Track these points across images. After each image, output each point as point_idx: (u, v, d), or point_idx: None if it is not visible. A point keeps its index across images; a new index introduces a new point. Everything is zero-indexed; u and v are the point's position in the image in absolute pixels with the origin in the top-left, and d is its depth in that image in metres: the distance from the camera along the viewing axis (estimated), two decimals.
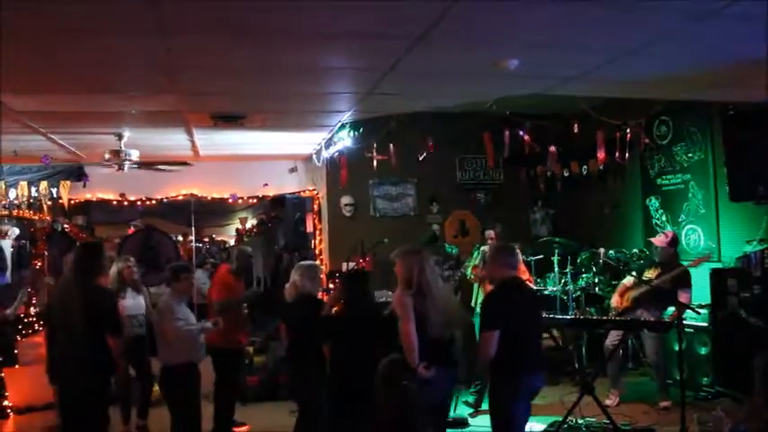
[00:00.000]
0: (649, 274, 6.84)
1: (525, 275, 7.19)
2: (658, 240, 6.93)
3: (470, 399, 6.95)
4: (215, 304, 6.30)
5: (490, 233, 7.18)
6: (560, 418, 5.87)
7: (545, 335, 7.89)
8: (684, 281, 6.67)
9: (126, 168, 8.02)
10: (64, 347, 4.78)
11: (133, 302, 6.42)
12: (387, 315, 4.84)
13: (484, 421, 6.46)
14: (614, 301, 6.98)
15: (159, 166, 9.27)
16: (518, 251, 4.90)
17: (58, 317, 4.81)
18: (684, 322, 6.12)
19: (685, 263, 7.54)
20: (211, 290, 6.79)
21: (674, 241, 6.88)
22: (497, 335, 4.19)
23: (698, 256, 7.14)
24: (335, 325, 5.18)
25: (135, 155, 7.85)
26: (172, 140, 8.50)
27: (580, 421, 5.96)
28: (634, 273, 7.04)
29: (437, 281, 4.54)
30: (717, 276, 6.96)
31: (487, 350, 4.21)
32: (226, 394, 6.35)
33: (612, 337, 6.75)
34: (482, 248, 7.17)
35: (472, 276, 7.14)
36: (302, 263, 5.87)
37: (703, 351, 7.03)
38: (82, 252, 5.00)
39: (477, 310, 7.01)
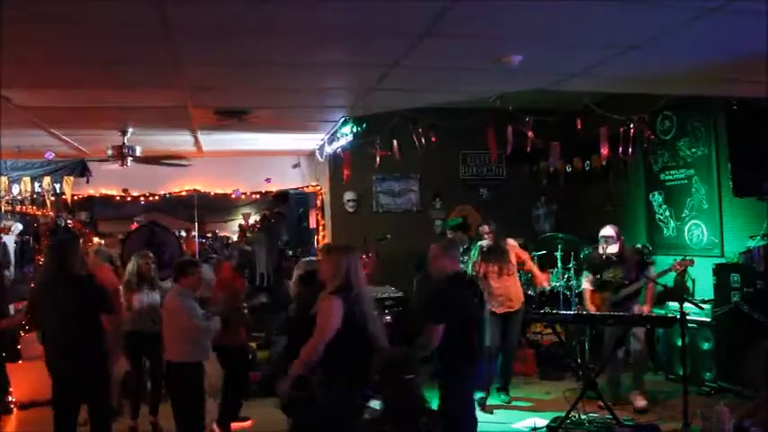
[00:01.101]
0: (611, 274, 6.66)
1: (537, 273, 7.48)
2: (613, 248, 6.70)
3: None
4: (216, 307, 6.31)
5: (485, 228, 7.16)
6: (563, 414, 5.89)
7: (548, 330, 7.91)
8: (643, 267, 6.78)
9: (129, 163, 8.02)
10: (55, 338, 4.83)
11: (148, 299, 6.39)
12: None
13: (483, 415, 6.48)
14: (590, 309, 6.75)
15: (164, 161, 9.26)
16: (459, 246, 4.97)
17: (47, 309, 4.86)
18: (687, 317, 6.11)
19: (688, 258, 7.57)
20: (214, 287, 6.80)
21: (618, 235, 6.76)
22: (442, 328, 4.30)
23: (683, 259, 6.87)
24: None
25: (138, 150, 7.86)
26: (175, 136, 8.51)
27: (583, 417, 5.96)
28: (588, 274, 6.91)
29: (365, 283, 4.23)
30: (720, 272, 6.96)
31: (433, 342, 4.32)
32: (233, 390, 6.38)
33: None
34: (479, 244, 7.18)
35: (473, 273, 7.14)
36: (307, 259, 5.83)
37: (706, 346, 7.03)
38: (60, 248, 5.07)
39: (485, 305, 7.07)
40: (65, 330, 4.74)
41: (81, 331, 4.73)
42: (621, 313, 6.27)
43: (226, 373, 6.38)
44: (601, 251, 6.71)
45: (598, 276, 6.74)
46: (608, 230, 6.71)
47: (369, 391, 4.16)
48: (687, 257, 6.91)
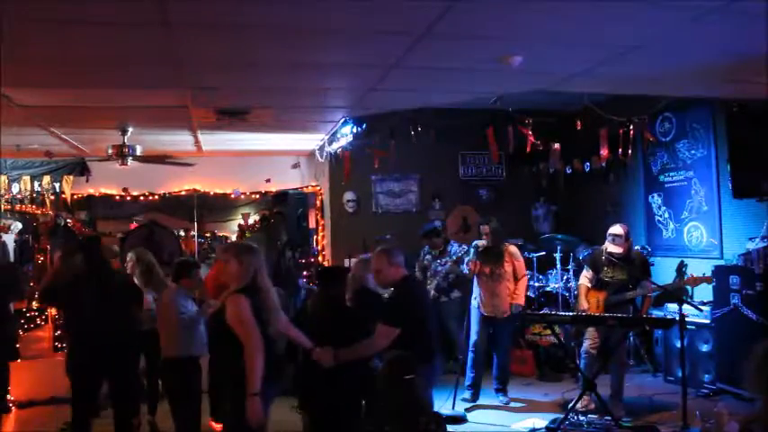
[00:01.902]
0: (610, 274, 6.49)
1: (517, 290, 6.99)
2: (616, 247, 6.47)
3: (468, 394, 6.93)
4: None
5: (485, 228, 7.05)
6: (562, 415, 5.89)
7: (547, 331, 7.90)
8: (647, 273, 6.64)
9: (130, 163, 8.02)
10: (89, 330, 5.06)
11: (151, 297, 6.40)
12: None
13: (482, 417, 6.49)
14: (583, 305, 6.56)
15: (169, 160, 9.25)
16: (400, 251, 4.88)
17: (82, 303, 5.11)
18: (686, 319, 6.12)
19: (687, 261, 7.57)
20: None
21: (628, 235, 6.54)
22: (396, 332, 4.32)
23: (700, 275, 6.71)
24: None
25: (138, 150, 7.86)
26: (175, 135, 8.51)
27: (581, 418, 5.96)
28: (588, 270, 6.68)
29: (270, 285, 4.19)
30: (719, 273, 6.96)
31: (383, 344, 4.35)
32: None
33: (592, 342, 6.49)
34: (475, 243, 7.11)
35: (467, 271, 7.13)
36: (363, 256, 5.71)
37: (705, 348, 7.03)
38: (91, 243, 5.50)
39: (475, 304, 7.02)
40: (102, 323, 4.92)
41: (117, 324, 4.96)
42: (621, 315, 6.25)
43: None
44: (605, 246, 6.55)
45: (598, 275, 6.61)
46: (617, 229, 6.51)
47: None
48: (705, 274, 6.72)
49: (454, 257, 7.81)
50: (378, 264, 4.67)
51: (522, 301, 7.05)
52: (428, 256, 8.16)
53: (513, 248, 7.12)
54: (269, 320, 4.01)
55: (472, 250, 7.08)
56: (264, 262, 4.16)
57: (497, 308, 6.90)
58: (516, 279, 7.02)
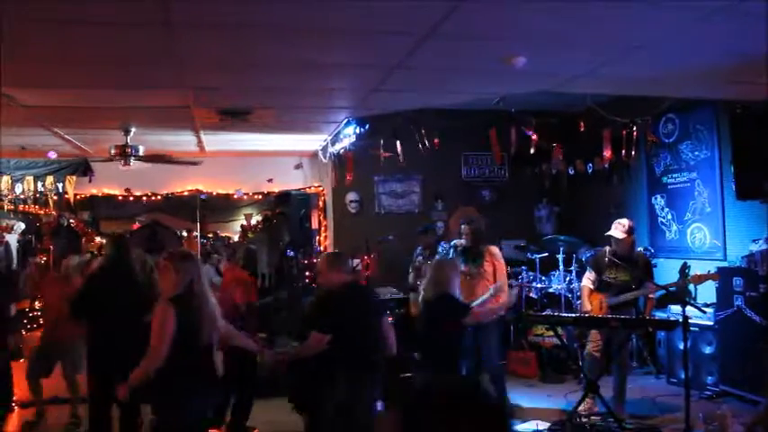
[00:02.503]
0: (613, 275, 6.43)
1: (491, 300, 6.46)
2: (618, 232, 6.42)
3: None
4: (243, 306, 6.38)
5: (465, 228, 6.79)
6: (564, 417, 5.88)
7: (550, 333, 7.88)
8: (650, 274, 6.59)
9: (132, 163, 8.03)
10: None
11: None
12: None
13: None
14: (586, 306, 6.52)
15: (174, 159, 9.24)
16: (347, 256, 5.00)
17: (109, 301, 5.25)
18: (690, 321, 6.10)
19: (690, 262, 7.55)
20: (233, 291, 6.77)
21: (632, 230, 6.50)
22: (326, 338, 4.38)
23: (705, 272, 6.59)
24: None
25: (141, 150, 7.86)
26: (178, 136, 8.51)
27: (584, 420, 5.95)
28: (591, 271, 6.62)
29: (207, 288, 4.22)
30: (722, 275, 6.94)
31: (314, 347, 4.42)
32: (245, 391, 6.41)
33: (594, 344, 6.46)
34: (453, 243, 6.95)
35: None
36: (442, 259, 5.68)
37: (708, 350, 7.02)
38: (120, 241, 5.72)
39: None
40: (131, 329, 4.89)
41: (142, 329, 4.91)
42: (624, 316, 6.23)
43: (237, 374, 6.38)
44: (613, 233, 6.45)
45: (601, 277, 6.54)
46: (623, 220, 6.55)
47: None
48: (710, 272, 6.61)
49: (441, 256, 7.76)
50: (320, 266, 4.77)
51: (494, 305, 6.31)
52: (420, 258, 8.16)
53: (494, 249, 6.78)
54: (201, 330, 3.98)
55: (451, 250, 6.93)
56: (201, 269, 4.19)
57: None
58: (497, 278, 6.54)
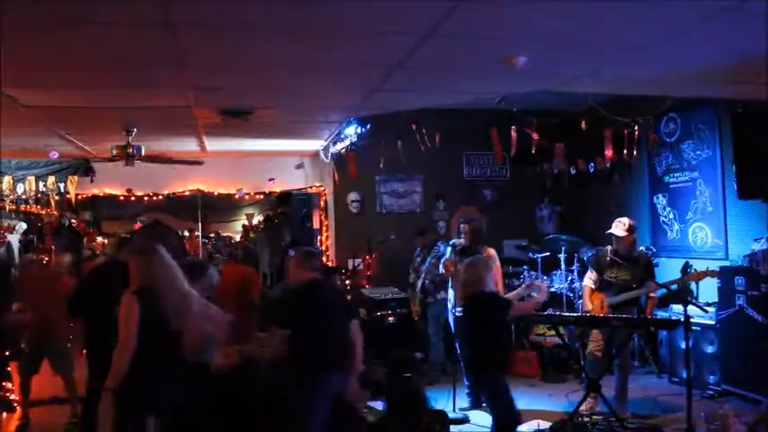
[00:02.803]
0: (614, 274, 6.41)
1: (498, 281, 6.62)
2: (619, 230, 6.42)
3: (467, 402, 6.73)
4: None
5: (465, 227, 6.85)
6: (566, 416, 5.87)
7: (551, 332, 7.88)
8: (651, 273, 6.54)
9: (135, 163, 8.03)
10: None
11: None
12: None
13: (484, 418, 6.46)
14: (587, 306, 6.51)
15: (177, 159, 9.25)
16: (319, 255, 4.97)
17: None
18: (691, 320, 6.09)
19: (692, 261, 7.54)
20: (251, 288, 6.90)
21: (633, 228, 6.47)
22: (289, 334, 4.39)
23: (702, 270, 6.58)
24: None
25: (143, 150, 7.86)
26: (180, 138, 8.52)
27: (586, 419, 5.95)
28: (592, 271, 6.57)
29: (174, 279, 4.23)
30: (724, 274, 6.93)
31: (277, 346, 4.43)
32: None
33: (596, 344, 6.43)
34: (452, 241, 6.99)
35: (443, 271, 7.03)
36: (474, 259, 5.56)
37: (710, 349, 7.01)
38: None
39: (450, 306, 6.94)
40: None
41: None
42: (625, 316, 6.22)
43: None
44: (614, 231, 6.43)
45: (602, 276, 6.51)
46: (623, 218, 6.52)
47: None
48: (710, 268, 6.52)
49: (437, 256, 7.76)
50: (290, 264, 4.81)
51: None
52: (418, 258, 8.17)
53: (491, 251, 6.81)
54: (168, 320, 4.01)
55: (449, 249, 6.94)
56: (163, 261, 4.18)
57: None
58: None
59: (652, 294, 6.49)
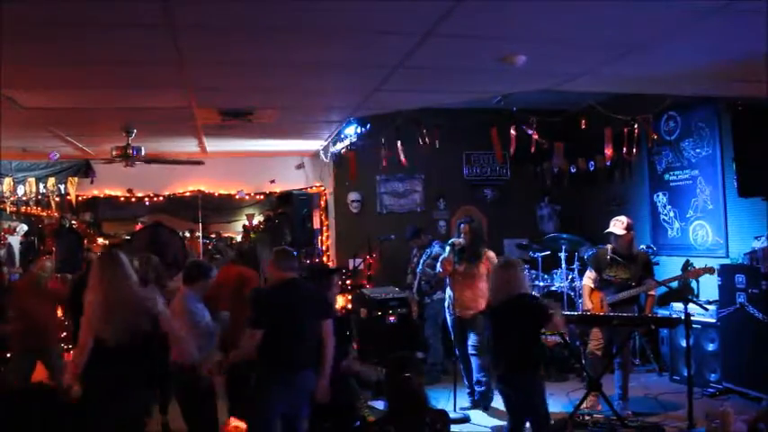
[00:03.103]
0: (612, 273, 6.43)
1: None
2: (617, 229, 6.45)
3: (467, 401, 6.76)
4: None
5: (465, 227, 6.79)
6: (567, 415, 5.87)
7: (552, 331, 7.87)
8: (650, 271, 6.54)
9: (135, 164, 8.03)
10: None
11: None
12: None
13: (485, 417, 6.47)
14: (587, 305, 6.54)
15: (177, 160, 9.25)
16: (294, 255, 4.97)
17: None
18: (692, 318, 6.09)
19: (692, 259, 7.54)
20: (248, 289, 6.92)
21: (631, 226, 6.49)
22: (260, 333, 4.44)
23: (699, 267, 6.63)
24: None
25: (143, 151, 7.86)
26: (180, 140, 8.52)
27: (587, 418, 5.95)
28: (591, 270, 6.60)
29: (121, 286, 4.49)
30: (725, 272, 6.94)
31: (248, 344, 4.48)
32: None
33: (596, 343, 6.46)
34: (451, 241, 6.94)
35: (440, 271, 7.02)
36: (506, 259, 5.49)
37: (711, 347, 7.01)
38: None
39: (446, 304, 6.91)
40: None
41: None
42: (626, 314, 6.23)
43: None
44: (612, 229, 6.45)
45: (601, 275, 6.52)
46: (621, 216, 6.56)
47: None
48: (708, 265, 6.57)
49: (432, 255, 7.76)
50: (272, 257, 4.87)
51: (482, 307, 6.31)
52: (415, 259, 8.18)
53: (491, 254, 6.79)
54: (110, 324, 4.34)
55: (447, 248, 6.90)
56: (117, 268, 4.52)
57: (469, 307, 6.60)
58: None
59: (651, 292, 6.50)
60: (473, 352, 6.66)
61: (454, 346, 6.94)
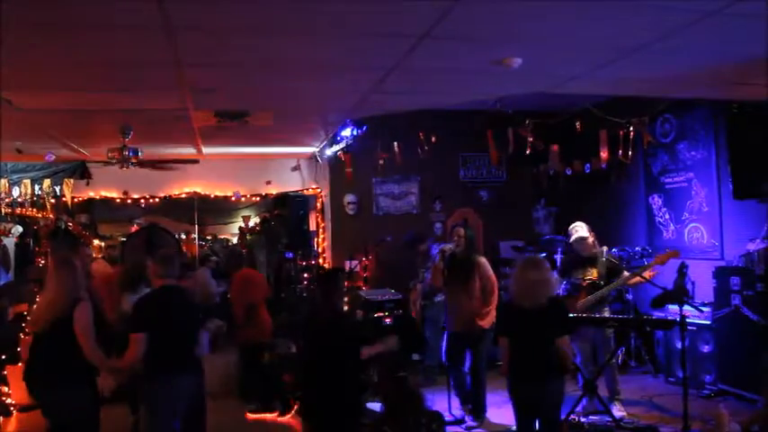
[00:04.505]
0: (579, 275, 6.42)
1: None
2: (584, 231, 6.46)
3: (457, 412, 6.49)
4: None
5: (459, 230, 6.46)
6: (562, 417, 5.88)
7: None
8: (618, 270, 6.50)
9: (130, 166, 8.02)
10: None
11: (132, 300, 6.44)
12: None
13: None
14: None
15: (172, 161, 9.24)
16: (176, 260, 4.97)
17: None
18: (687, 320, 6.11)
19: (687, 261, 7.55)
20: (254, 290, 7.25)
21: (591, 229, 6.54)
22: (144, 338, 4.48)
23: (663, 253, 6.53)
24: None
25: (139, 153, 7.86)
26: (176, 139, 8.51)
27: (582, 419, 5.96)
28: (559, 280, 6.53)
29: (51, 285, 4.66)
30: (720, 274, 6.96)
31: (134, 350, 4.50)
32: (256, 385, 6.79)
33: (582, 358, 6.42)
34: (441, 247, 6.70)
35: (430, 279, 6.98)
36: (531, 258, 5.21)
37: (706, 349, 7.03)
38: None
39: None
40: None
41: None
42: (621, 316, 6.25)
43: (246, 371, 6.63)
44: (580, 234, 6.45)
45: (570, 278, 6.46)
46: (579, 222, 6.59)
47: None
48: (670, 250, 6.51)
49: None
50: (153, 263, 4.90)
51: (486, 322, 6.26)
52: (421, 269, 8.20)
53: (483, 260, 6.52)
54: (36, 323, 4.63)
55: (438, 255, 6.58)
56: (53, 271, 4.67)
57: (466, 324, 6.32)
58: (485, 293, 6.34)
59: (633, 280, 6.39)
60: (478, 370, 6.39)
61: (447, 360, 6.56)
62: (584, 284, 6.41)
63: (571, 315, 6.42)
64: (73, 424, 4.49)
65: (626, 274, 6.41)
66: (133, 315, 4.69)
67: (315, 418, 4.64)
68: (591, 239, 6.50)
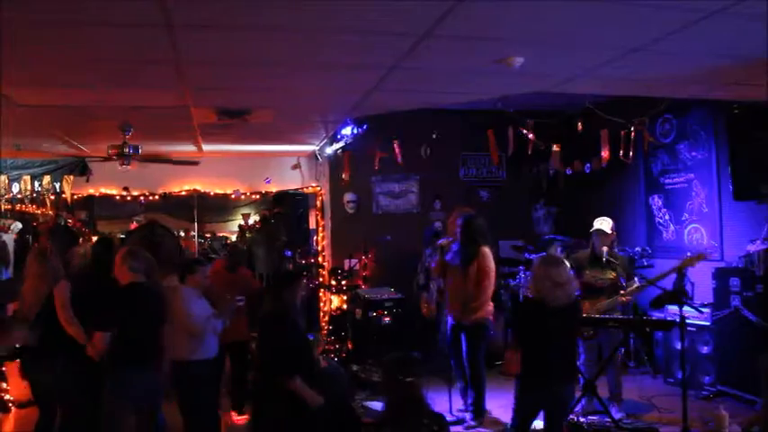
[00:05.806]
0: (604, 274, 6.35)
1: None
2: (606, 227, 6.42)
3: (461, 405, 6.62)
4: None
5: (459, 221, 6.57)
6: None
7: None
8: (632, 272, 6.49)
9: (131, 163, 8.01)
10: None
11: None
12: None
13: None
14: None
15: (174, 159, 9.22)
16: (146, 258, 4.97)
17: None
18: (687, 321, 6.11)
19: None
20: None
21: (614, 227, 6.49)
22: (107, 336, 4.59)
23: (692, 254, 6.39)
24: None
25: (139, 150, 7.84)
26: (176, 137, 8.50)
27: (582, 419, 5.96)
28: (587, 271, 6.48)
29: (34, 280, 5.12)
30: (720, 275, 6.96)
31: (98, 346, 4.62)
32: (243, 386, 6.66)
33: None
34: (440, 242, 6.81)
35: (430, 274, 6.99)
36: (549, 255, 5.17)
37: (705, 350, 7.03)
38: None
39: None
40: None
41: None
42: (621, 316, 6.24)
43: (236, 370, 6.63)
44: (602, 226, 6.38)
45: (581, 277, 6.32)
46: (605, 217, 6.51)
47: None
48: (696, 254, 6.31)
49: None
50: (119, 259, 4.92)
51: (480, 314, 6.32)
52: (429, 259, 8.16)
53: (485, 249, 6.56)
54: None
55: (437, 251, 6.66)
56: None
57: (462, 315, 6.41)
58: (477, 282, 6.35)
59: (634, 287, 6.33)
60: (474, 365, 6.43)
61: (449, 353, 6.67)
62: (604, 286, 6.30)
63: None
64: (60, 397, 4.92)
65: (639, 282, 6.28)
66: (101, 313, 4.73)
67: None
68: (611, 237, 6.42)
